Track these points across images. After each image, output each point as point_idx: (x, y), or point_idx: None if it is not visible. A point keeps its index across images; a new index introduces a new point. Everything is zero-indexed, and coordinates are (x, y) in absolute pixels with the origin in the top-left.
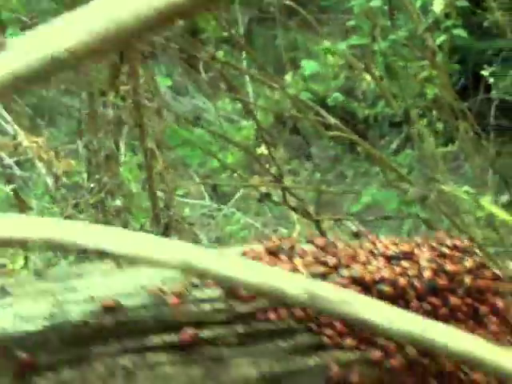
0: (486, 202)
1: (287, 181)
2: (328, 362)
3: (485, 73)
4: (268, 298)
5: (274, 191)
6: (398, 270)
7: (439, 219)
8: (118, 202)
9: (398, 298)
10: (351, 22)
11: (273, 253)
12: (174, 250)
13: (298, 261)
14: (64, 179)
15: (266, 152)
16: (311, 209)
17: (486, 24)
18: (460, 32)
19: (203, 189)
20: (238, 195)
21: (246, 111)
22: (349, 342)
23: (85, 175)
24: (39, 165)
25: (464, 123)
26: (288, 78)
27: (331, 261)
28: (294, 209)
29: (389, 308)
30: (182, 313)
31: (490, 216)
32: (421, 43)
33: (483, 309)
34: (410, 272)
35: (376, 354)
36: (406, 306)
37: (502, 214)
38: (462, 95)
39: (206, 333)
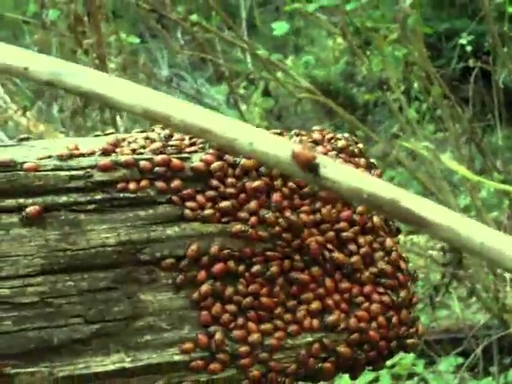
0: (446, 158)
1: None
2: (188, 233)
3: (463, 41)
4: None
5: None
6: None
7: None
8: None
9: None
10: None
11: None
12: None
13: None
14: None
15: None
16: None
17: None
18: None
19: None
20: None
21: (217, 75)
22: (209, 213)
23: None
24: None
25: (436, 88)
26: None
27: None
28: None
29: (121, 81)
30: (37, 178)
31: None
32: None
33: None
34: None
35: (237, 226)
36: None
37: (461, 170)
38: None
39: (63, 199)
